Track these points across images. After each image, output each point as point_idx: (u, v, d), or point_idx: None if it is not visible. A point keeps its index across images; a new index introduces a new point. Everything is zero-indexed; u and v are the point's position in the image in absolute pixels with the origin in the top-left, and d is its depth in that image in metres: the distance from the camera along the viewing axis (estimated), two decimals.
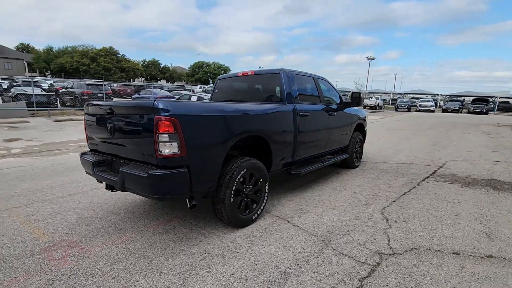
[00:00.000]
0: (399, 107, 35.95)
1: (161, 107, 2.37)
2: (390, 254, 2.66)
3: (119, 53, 60.19)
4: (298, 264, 2.50)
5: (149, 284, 2.22)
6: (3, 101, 14.87)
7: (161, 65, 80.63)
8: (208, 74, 79.55)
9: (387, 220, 3.43)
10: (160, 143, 2.38)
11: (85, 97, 15.97)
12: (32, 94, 13.69)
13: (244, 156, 3.34)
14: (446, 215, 3.58)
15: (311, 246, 2.81)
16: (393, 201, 4.07)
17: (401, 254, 2.67)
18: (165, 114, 2.36)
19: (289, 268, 2.43)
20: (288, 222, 3.38)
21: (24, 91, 14.72)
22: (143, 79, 76.18)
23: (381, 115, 26.39)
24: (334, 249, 2.75)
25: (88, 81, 20.45)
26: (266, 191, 3.48)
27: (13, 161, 6.33)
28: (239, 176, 3.03)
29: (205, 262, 2.52)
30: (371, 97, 39.16)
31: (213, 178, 2.82)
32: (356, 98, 5.33)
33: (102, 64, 53.73)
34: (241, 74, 4.54)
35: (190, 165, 2.55)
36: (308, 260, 2.57)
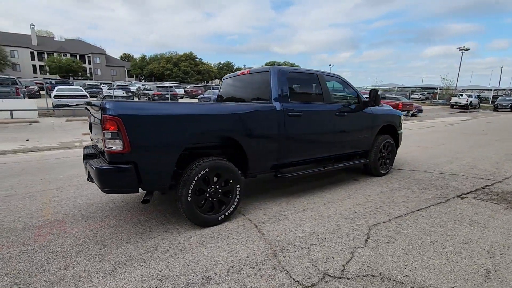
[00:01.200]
0: (499, 107, 29.89)
1: (107, 106, 2.57)
2: (335, 277, 2.30)
3: (197, 58, 66.13)
4: (227, 272, 2.39)
5: (86, 267, 2.45)
6: None
7: (234, 67, 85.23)
8: None
9: (368, 238, 2.95)
10: (106, 140, 2.59)
11: (155, 98, 18.16)
12: (113, 96, 16.29)
13: (222, 156, 3.35)
14: (449, 242, 2.88)
15: (258, 255, 2.64)
16: (395, 218, 3.47)
17: (349, 279, 2.28)
18: (110, 113, 2.55)
19: (215, 275, 2.35)
20: (256, 227, 3.23)
21: (110, 93, 17.60)
22: (218, 80, 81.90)
23: (470, 116, 22.37)
24: (278, 262, 2.53)
25: (158, 84, 23.18)
26: (238, 192, 3.40)
27: (79, 151, 7.64)
28: (199, 175, 3.04)
29: (145, 256, 2.63)
30: (461, 95, 33.58)
31: (166, 176, 2.91)
32: (373, 97, 4.68)
33: (182, 68, 59.89)
34: (240, 74, 4.52)
35: (137, 162, 2.69)
36: (241, 269, 2.43)
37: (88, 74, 69.52)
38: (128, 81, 59.31)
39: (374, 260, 2.54)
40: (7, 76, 17.76)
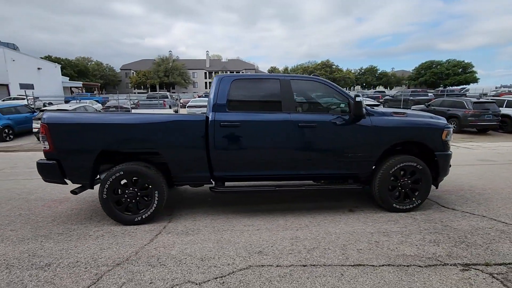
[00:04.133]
0: None
1: (43, 116, 3.41)
2: None
3: (334, 65, 65.23)
4: (78, 262, 2.66)
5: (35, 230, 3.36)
6: None
7: (378, 71, 77.98)
8: (438, 75, 66.66)
9: (222, 277, 2.41)
10: (41, 141, 3.43)
11: None
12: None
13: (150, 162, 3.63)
14: None
15: (108, 258, 2.75)
16: (310, 265, 2.58)
17: None
18: (42, 121, 3.37)
19: (71, 262, 2.68)
20: (156, 235, 3.27)
21: None
22: (358, 87, 77.39)
23: None
24: (109, 269, 2.55)
25: None
26: (156, 198, 3.53)
27: None
28: (113, 177, 3.43)
29: (46, 234, 3.28)
30: None
31: (85, 173, 3.46)
32: (353, 106, 3.50)
33: None
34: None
35: (60, 160, 3.39)
36: (78, 263, 2.64)
37: None
38: None
39: None
40: (160, 92, 23.98)
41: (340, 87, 3.91)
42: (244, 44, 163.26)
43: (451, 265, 2.60)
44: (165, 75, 67.23)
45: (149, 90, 67.59)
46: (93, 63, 69.12)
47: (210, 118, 3.55)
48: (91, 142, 3.41)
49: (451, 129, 4.03)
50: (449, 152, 3.96)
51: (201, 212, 3.96)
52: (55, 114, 3.45)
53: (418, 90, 27.29)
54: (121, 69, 76.62)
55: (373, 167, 3.85)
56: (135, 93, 58.15)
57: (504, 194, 4.62)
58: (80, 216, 3.85)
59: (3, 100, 24.34)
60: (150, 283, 2.36)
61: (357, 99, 3.46)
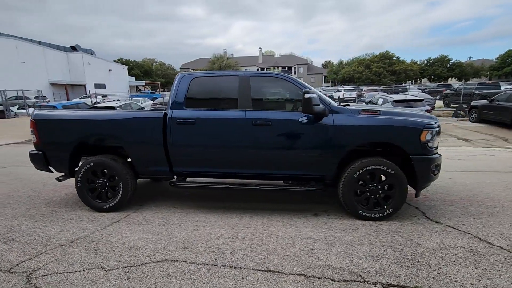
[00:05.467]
0: None
1: (33, 112, 3.97)
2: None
3: (394, 56, 59.88)
4: (40, 241, 3.11)
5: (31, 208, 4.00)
6: None
7: (450, 61, 68.97)
8: None
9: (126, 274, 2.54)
10: (31, 134, 4.00)
11: None
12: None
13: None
14: None
15: (63, 238, 3.12)
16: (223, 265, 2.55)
17: None
18: (31, 117, 3.93)
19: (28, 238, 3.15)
20: (113, 223, 3.56)
21: None
22: (424, 80, 69.70)
23: None
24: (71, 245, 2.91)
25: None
26: (121, 189, 3.83)
27: None
28: (85, 167, 3.83)
29: (32, 214, 3.83)
30: None
31: (64, 163, 3.94)
32: (303, 103, 3.24)
33: (374, 70, 56.44)
34: None
35: (45, 151, 3.93)
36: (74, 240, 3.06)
37: None
38: (324, 87, 63.68)
39: None
40: None
41: (303, 83, 3.68)
42: (300, 39, 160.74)
43: (370, 283, 2.29)
44: None
45: None
46: (157, 63, 75.76)
47: (168, 116, 3.70)
48: (67, 136, 3.86)
49: (436, 130, 3.47)
50: (431, 156, 3.42)
51: (169, 205, 4.16)
52: (41, 112, 3.99)
53: (487, 82, 23.41)
54: (180, 68, 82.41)
55: (336, 169, 3.55)
56: None
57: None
58: (70, 201, 4.38)
59: (80, 98, 28.43)
60: (70, 264, 2.62)
61: (306, 95, 3.22)
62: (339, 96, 33.58)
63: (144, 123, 3.76)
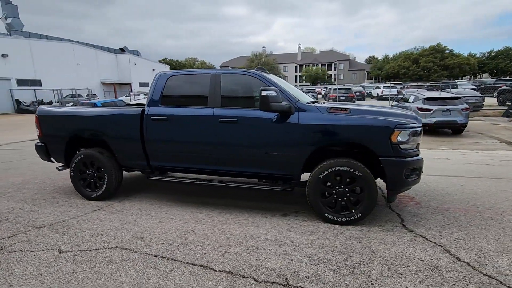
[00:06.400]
0: None
1: (38, 109, 4.48)
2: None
3: (447, 49, 54.64)
4: (43, 223, 3.56)
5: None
6: None
7: None
8: None
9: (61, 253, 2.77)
10: (36, 128, 4.52)
11: (330, 100, 18.46)
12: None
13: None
14: None
15: (52, 221, 3.51)
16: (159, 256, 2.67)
17: None
18: (35, 113, 4.44)
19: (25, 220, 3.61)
20: (96, 210, 3.89)
21: None
22: (484, 75, 62.47)
23: None
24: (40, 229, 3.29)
25: (340, 86, 22.59)
26: (106, 180, 4.15)
27: None
28: (77, 159, 4.23)
29: (35, 198, 4.33)
30: None
31: (60, 155, 4.38)
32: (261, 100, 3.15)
33: (422, 65, 52.13)
34: None
35: (46, 143, 4.41)
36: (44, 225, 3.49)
37: (332, 80, 78.77)
38: (365, 83, 60.55)
39: None
40: None
41: (272, 81, 3.61)
42: (344, 34, 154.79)
43: (292, 287, 2.21)
44: None
45: None
46: (198, 62, 78.92)
47: (145, 112, 3.92)
48: (62, 129, 4.29)
49: (413, 130, 3.16)
50: (405, 158, 3.14)
51: (152, 198, 4.39)
52: (43, 108, 4.49)
53: None
54: (220, 67, 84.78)
55: (301, 169, 3.44)
56: None
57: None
58: (71, 190, 4.85)
59: (126, 96, 30.85)
60: (35, 244, 2.94)
61: (263, 93, 3.15)
62: (377, 94, 31.74)
63: (123, 119, 4.02)
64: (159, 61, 54.68)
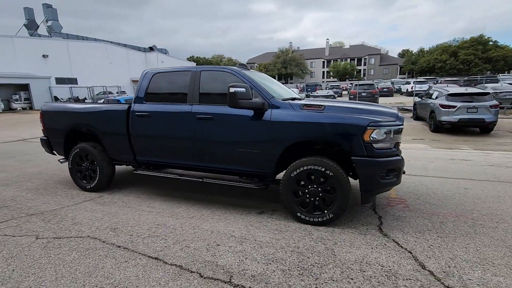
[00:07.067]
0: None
1: (42, 105, 4.83)
2: None
3: (491, 41, 50.14)
4: (39, 211, 3.89)
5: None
6: None
7: None
8: None
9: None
10: (40, 123, 4.87)
11: (351, 96, 17.79)
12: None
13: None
14: None
15: (46, 209, 3.80)
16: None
17: None
18: (40, 109, 4.79)
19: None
20: (86, 201, 4.14)
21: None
22: None
23: None
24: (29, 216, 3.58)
25: (361, 82, 21.55)
26: (98, 173, 4.39)
27: None
28: (74, 152, 4.51)
29: (38, 188, 4.68)
30: None
31: (60, 148, 4.69)
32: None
33: (461, 58, 48.38)
34: None
35: (48, 137, 4.75)
36: (48, 212, 3.81)
37: (362, 75, 75.82)
38: (399, 78, 57.52)
39: None
40: None
41: (250, 78, 3.56)
42: (377, 28, 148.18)
43: (233, 284, 2.19)
44: (283, 67, 70.03)
45: None
46: (225, 59, 79.85)
47: (131, 109, 4.07)
48: (60, 124, 4.59)
49: (390, 128, 2.97)
50: (380, 158, 2.97)
51: (141, 191, 4.56)
52: (46, 104, 4.83)
53: None
54: (247, 63, 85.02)
55: (275, 167, 3.38)
56: None
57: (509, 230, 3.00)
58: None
59: None
60: (20, 230, 3.20)
61: (231, 90, 3.13)
62: (407, 89, 30.04)
63: (112, 115, 4.21)
64: (187, 58, 56.17)
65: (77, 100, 25.18)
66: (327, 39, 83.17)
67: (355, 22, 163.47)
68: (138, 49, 43.08)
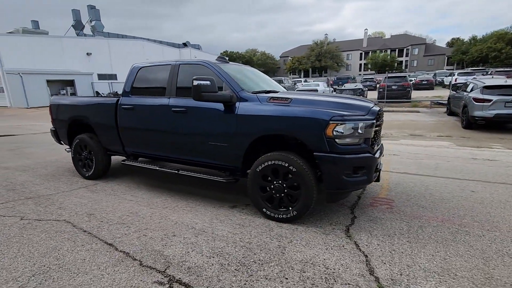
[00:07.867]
0: None
1: (51, 99, 5.26)
2: None
3: None
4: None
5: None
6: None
7: None
8: None
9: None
10: (49, 115, 5.31)
11: (380, 89, 16.74)
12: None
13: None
14: None
15: (40, 195, 4.19)
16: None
17: None
18: (50, 102, 5.22)
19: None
20: (82, 188, 4.46)
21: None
22: None
23: None
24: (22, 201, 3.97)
25: (393, 74, 19.94)
26: (94, 162, 4.69)
27: None
28: (75, 143, 4.87)
29: (46, 174, 5.14)
30: None
31: (64, 138, 5.08)
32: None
33: None
34: None
35: (56, 128, 5.18)
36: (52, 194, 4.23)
37: (403, 67, 71.01)
38: (446, 70, 52.87)
39: None
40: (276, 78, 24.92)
41: (224, 71, 3.53)
42: (425, 16, 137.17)
43: (164, 274, 2.22)
44: (317, 60, 68.10)
45: (302, 75, 71.12)
46: (259, 53, 79.75)
47: (119, 102, 4.27)
48: (63, 116, 4.97)
49: (354, 123, 2.76)
50: (344, 155, 2.77)
51: (133, 181, 4.78)
52: (53, 98, 5.25)
53: None
54: (280, 57, 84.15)
55: (242, 161, 3.33)
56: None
57: (500, 238, 2.63)
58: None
59: None
60: (12, 211, 3.54)
61: (194, 82, 3.10)
62: (450, 82, 27.50)
63: (103, 107, 4.45)
64: (220, 53, 57.11)
65: (116, 94, 27.04)
66: (366, 29, 79.07)
67: (400, 11, 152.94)
68: (173, 45, 44.77)
